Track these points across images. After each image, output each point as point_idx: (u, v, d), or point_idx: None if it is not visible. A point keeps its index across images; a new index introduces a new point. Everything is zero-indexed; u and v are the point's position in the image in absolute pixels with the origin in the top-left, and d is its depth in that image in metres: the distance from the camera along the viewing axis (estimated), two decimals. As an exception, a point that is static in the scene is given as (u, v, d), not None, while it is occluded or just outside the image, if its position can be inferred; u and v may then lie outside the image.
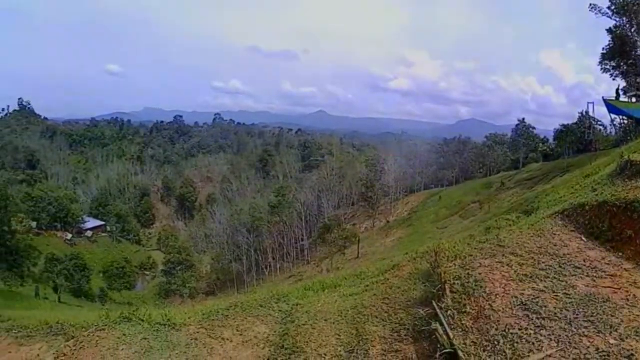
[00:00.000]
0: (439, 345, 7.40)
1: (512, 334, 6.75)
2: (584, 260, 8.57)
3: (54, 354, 9.72)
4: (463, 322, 7.47)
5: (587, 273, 8.09)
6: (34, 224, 76.09)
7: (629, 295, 7.19)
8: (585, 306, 7.04)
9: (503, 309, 7.38)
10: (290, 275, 67.12)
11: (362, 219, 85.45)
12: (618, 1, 43.69)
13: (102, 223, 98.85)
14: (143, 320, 10.60)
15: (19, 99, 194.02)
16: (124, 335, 9.89)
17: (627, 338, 6.11)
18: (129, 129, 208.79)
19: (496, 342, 6.69)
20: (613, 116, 35.51)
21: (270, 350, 9.78)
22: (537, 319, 6.95)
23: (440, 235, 44.76)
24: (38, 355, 9.90)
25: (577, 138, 63.18)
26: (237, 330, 10.50)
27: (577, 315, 6.84)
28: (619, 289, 7.45)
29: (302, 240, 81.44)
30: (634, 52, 45.08)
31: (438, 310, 8.12)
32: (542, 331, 6.65)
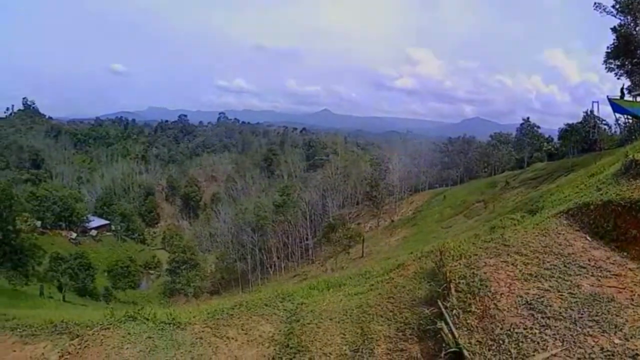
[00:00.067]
0: (444, 344, 7.41)
1: (517, 333, 6.74)
2: (589, 260, 8.54)
3: (58, 352, 9.71)
4: (468, 321, 7.46)
5: (592, 272, 8.06)
6: (39, 223, 76.53)
7: (634, 295, 7.16)
8: (590, 305, 7.02)
9: (508, 308, 7.36)
10: (294, 274, 67.24)
11: (366, 218, 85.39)
12: (622, 0, 43.49)
13: (107, 222, 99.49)
14: (148, 319, 10.59)
15: (23, 98, 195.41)
16: (129, 334, 9.89)
17: (631, 337, 6.09)
18: (133, 128, 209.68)
19: (501, 341, 6.68)
20: (617, 115, 35.32)
21: (275, 349, 9.78)
22: (542, 318, 6.92)
23: (444, 235, 44.65)
24: (43, 353, 9.89)
25: (582, 137, 62.81)
26: (242, 329, 10.50)
27: (582, 314, 6.83)
28: (624, 288, 7.43)
29: (307, 239, 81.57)
30: (638, 51, 44.80)
31: (443, 309, 8.12)
32: (546, 330, 6.63)
